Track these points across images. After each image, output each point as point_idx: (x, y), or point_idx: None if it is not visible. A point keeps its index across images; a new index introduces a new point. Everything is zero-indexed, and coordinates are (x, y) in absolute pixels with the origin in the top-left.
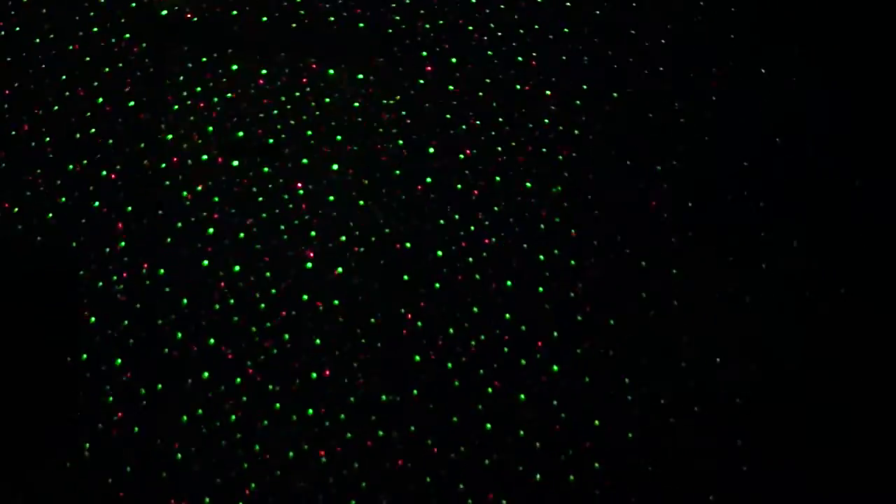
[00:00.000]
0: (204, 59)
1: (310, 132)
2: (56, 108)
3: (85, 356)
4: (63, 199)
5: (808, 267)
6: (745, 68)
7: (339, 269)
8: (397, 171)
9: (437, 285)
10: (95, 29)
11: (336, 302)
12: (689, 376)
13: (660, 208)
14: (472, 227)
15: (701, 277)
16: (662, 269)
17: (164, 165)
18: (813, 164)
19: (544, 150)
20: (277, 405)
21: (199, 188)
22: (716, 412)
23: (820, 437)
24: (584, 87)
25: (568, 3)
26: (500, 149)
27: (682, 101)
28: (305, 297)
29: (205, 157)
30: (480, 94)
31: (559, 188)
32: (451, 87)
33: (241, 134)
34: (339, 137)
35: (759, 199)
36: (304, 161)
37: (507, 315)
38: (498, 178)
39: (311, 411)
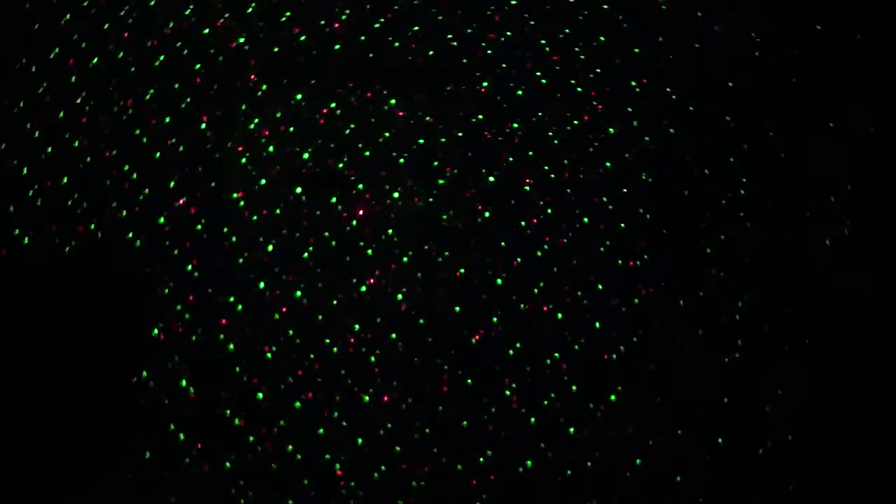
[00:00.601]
0: (265, 88)
1: (372, 160)
2: (125, 139)
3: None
4: (135, 224)
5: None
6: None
7: (399, 297)
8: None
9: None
10: (162, 57)
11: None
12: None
13: None
14: (538, 253)
15: None
16: None
17: (230, 193)
18: None
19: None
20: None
21: (264, 214)
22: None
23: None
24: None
25: None
26: (560, 175)
27: None
28: (362, 323)
29: (266, 183)
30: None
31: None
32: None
33: (304, 160)
34: (401, 161)
35: None
36: (365, 187)
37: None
38: (557, 208)
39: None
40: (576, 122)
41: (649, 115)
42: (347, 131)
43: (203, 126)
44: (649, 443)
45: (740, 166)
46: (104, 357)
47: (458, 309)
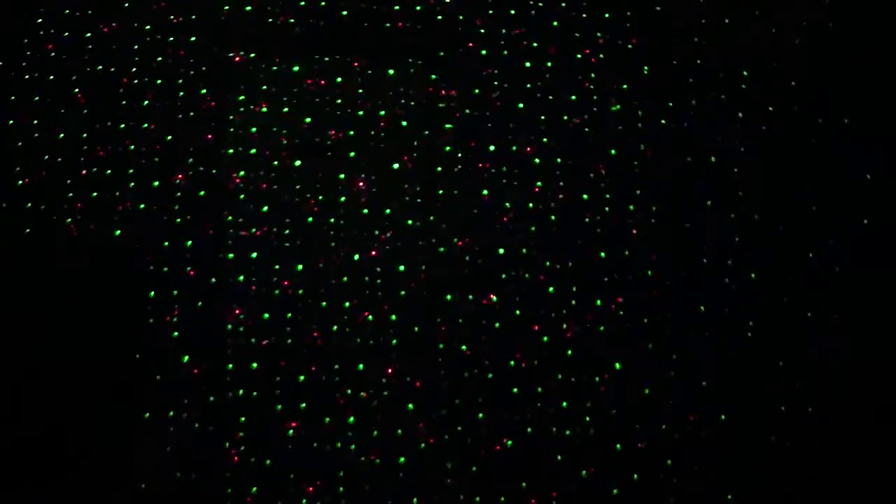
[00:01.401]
0: (263, 65)
1: (371, 132)
2: (120, 116)
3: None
4: (130, 203)
5: None
6: None
7: (402, 268)
8: (456, 170)
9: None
10: (159, 36)
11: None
12: None
13: None
14: (534, 228)
15: None
16: None
17: (227, 167)
18: None
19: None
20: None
21: (263, 187)
22: None
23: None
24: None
25: None
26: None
27: None
28: (367, 294)
29: (266, 156)
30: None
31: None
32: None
33: (302, 134)
34: (399, 137)
35: None
36: (365, 160)
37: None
38: (562, 184)
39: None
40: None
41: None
42: (342, 102)
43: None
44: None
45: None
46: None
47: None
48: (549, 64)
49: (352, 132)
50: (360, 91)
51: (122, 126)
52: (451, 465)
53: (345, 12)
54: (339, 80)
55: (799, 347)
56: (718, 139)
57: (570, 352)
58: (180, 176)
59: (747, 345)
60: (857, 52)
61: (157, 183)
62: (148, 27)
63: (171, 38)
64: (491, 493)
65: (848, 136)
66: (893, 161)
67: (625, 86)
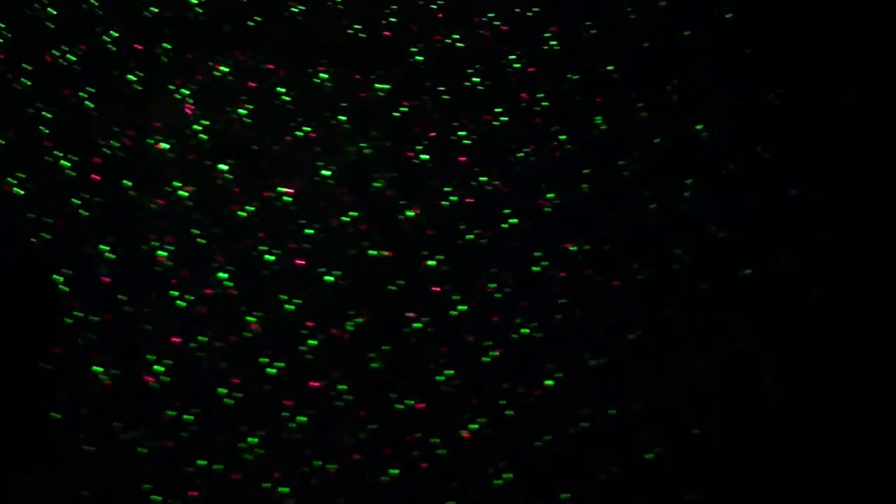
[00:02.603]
0: (191, 58)
1: (299, 134)
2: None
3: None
4: (47, 197)
5: None
6: None
7: (330, 279)
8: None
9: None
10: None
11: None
12: None
13: None
14: (466, 237)
15: None
16: None
17: (149, 165)
18: None
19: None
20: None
21: (185, 190)
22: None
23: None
24: None
25: None
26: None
27: None
28: (284, 298)
29: (191, 157)
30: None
31: None
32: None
33: (227, 135)
34: (328, 141)
35: None
36: (292, 164)
37: None
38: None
39: (304, 418)
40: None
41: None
42: (275, 106)
43: (120, 102)
44: None
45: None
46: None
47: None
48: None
49: (279, 134)
50: (292, 94)
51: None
52: None
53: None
54: (268, 82)
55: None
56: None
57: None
58: (97, 177)
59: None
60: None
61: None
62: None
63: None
64: None
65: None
66: None
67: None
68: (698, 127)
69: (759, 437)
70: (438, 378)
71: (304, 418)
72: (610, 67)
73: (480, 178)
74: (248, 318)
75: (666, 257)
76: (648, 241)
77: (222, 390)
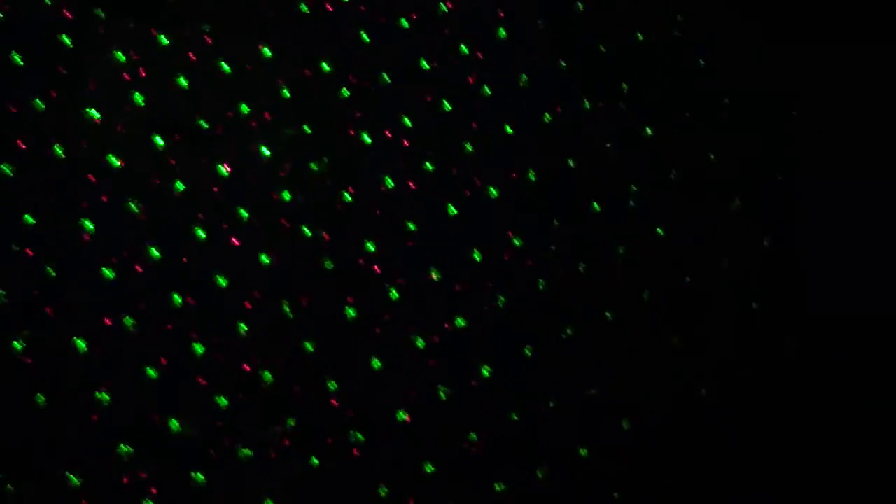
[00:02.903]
0: (131, 29)
1: (242, 111)
2: None
3: None
4: None
5: None
6: None
7: (266, 260)
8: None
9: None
10: None
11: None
12: None
13: None
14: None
15: None
16: None
17: (84, 142)
18: None
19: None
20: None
21: (120, 165)
22: None
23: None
24: None
25: None
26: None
27: None
28: (223, 282)
29: (127, 133)
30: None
31: None
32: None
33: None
34: (271, 118)
35: None
36: (234, 142)
37: None
38: (429, 165)
39: (224, 401)
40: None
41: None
42: (215, 80)
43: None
44: None
45: None
46: None
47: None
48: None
49: (220, 111)
50: (235, 69)
51: None
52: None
53: None
54: (211, 56)
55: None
56: None
57: None
58: (23, 146)
59: None
60: None
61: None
62: None
63: None
64: None
65: None
66: None
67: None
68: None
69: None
70: (374, 364)
71: (226, 401)
72: (562, 63)
73: (425, 164)
74: (176, 298)
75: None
76: (594, 232)
77: (150, 371)
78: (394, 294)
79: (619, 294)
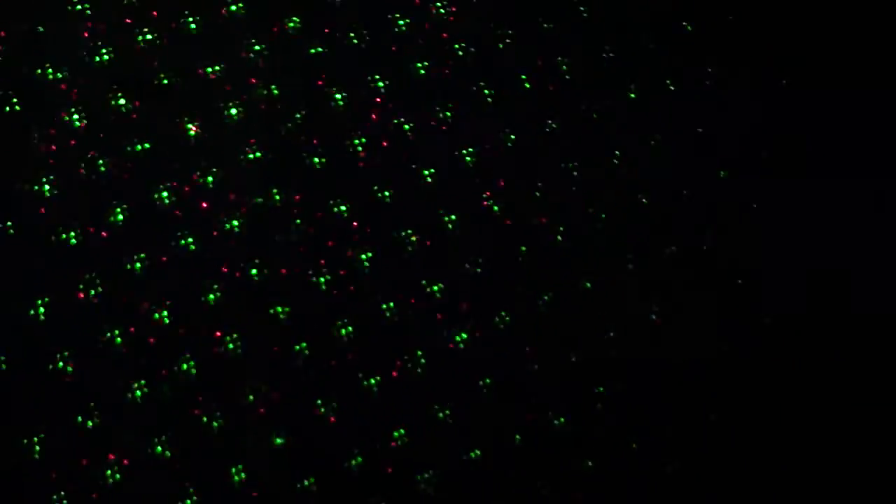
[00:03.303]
0: None
1: (208, 70)
2: None
3: None
4: None
5: None
6: None
7: (235, 223)
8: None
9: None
10: None
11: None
12: None
13: None
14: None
15: None
16: None
17: (42, 99)
18: None
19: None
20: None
21: (80, 125)
22: None
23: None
24: None
25: None
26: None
27: None
28: (192, 247)
29: (88, 92)
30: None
31: None
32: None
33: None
34: (238, 79)
35: None
36: (197, 100)
37: None
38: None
39: (186, 366)
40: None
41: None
42: (181, 38)
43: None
44: None
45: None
46: None
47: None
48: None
49: (185, 69)
50: (202, 26)
51: None
52: None
53: None
54: (178, 12)
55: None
56: None
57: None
58: None
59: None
60: None
61: None
62: None
63: None
64: None
65: None
66: None
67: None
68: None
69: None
70: (342, 331)
71: (192, 366)
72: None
73: (401, 124)
74: (136, 264)
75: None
76: (569, 202)
77: (115, 333)
78: (365, 258)
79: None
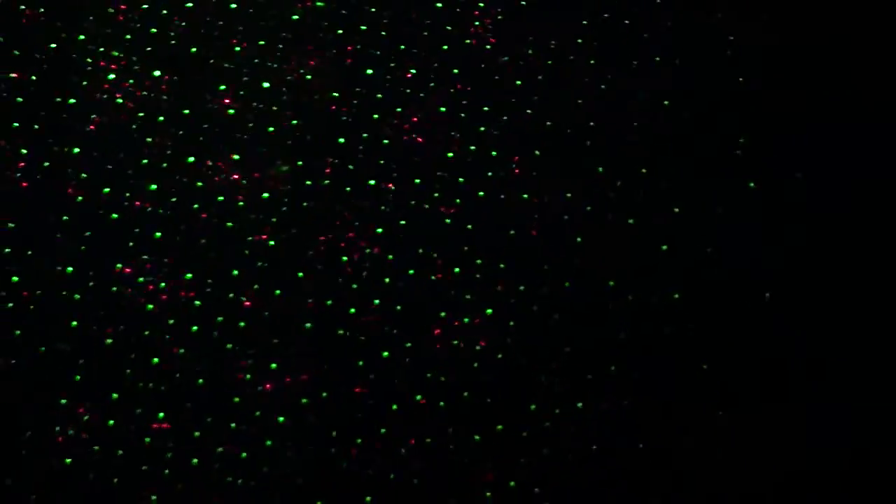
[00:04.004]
0: None
1: (238, 48)
2: None
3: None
4: None
5: None
6: None
7: (266, 195)
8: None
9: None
10: None
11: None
12: None
13: None
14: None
15: None
16: None
17: (77, 80)
18: None
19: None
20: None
21: (119, 101)
22: None
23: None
24: None
25: None
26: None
27: None
28: (230, 224)
29: (122, 70)
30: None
31: None
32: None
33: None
34: (270, 54)
35: None
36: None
37: None
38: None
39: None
40: None
41: None
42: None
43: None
44: None
45: None
46: None
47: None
48: None
49: (218, 45)
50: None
51: None
52: None
53: None
54: None
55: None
56: None
57: None
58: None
59: None
60: None
61: None
62: None
63: None
64: None
65: None
66: None
67: None
68: None
69: None
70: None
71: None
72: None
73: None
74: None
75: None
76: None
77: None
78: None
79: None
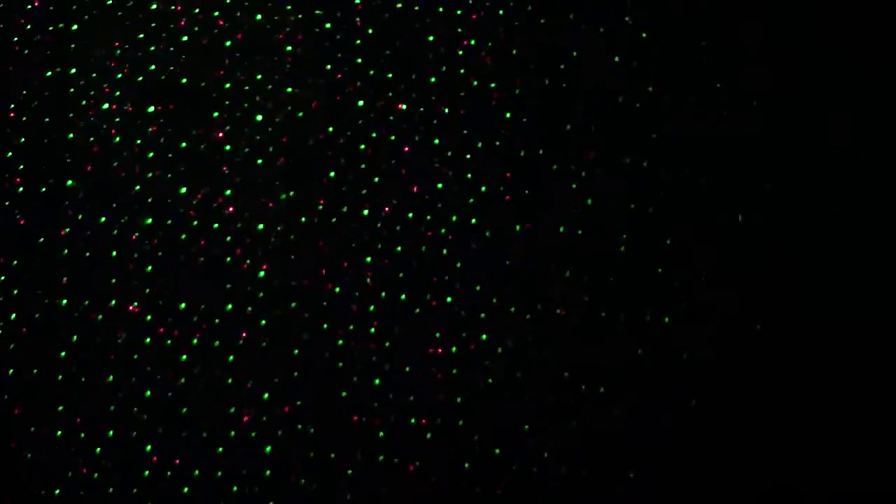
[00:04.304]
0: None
1: (232, 80)
2: None
3: None
4: None
5: None
6: None
7: (260, 226)
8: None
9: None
10: None
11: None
12: None
13: None
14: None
15: None
16: None
17: (70, 113)
18: None
19: None
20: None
21: (111, 134)
22: None
23: None
24: None
25: None
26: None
27: None
28: (228, 259)
29: (116, 103)
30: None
31: None
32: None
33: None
34: (263, 81)
35: None
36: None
37: None
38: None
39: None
40: None
41: None
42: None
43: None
44: None
45: None
46: None
47: None
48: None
49: (212, 77)
50: (227, 34)
51: None
52: None
53: None
54: (200, 20)
55: None
56: None
57: None
58: (11, 115)
59: None
60: None
61: None
62: None
63: None
64: None
65: None
66: None
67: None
68: None
69: None
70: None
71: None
72: None
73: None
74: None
75: None
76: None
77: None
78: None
79: None
